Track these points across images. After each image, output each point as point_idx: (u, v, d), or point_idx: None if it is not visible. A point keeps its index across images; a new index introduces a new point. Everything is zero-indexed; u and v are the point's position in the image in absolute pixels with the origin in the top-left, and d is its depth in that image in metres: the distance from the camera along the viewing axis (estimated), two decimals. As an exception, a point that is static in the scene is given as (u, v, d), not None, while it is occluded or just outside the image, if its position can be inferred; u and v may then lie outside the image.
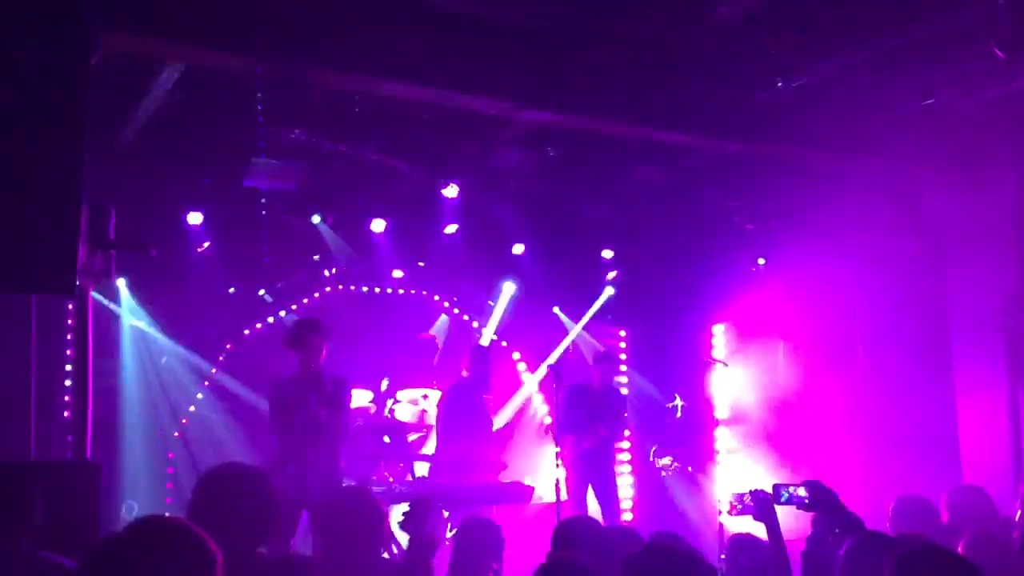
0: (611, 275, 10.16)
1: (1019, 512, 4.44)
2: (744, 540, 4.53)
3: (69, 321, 7.42)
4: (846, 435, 8.65)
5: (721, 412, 10.13)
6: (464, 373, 8.19)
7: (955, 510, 4.92)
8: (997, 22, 5.52)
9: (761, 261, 9.62)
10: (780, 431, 9.32)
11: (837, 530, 3.72)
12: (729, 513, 4.25)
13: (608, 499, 7.90)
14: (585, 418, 7.80)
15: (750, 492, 4.05)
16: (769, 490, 4.01)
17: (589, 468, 7.83)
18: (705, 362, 9.68)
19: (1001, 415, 7.62)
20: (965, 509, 4.89)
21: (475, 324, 10.08)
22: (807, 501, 3.86)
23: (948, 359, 8.25)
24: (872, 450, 8.41)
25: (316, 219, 8.72)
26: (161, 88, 6.49)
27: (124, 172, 7.19)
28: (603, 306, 10.32)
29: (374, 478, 7.69)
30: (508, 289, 9.98)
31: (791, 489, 3.95)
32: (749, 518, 4.06)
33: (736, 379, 9.82)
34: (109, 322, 8.27)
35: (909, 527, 4.49)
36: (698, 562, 2.70)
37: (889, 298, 8.50)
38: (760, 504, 3.96)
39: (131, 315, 8.56)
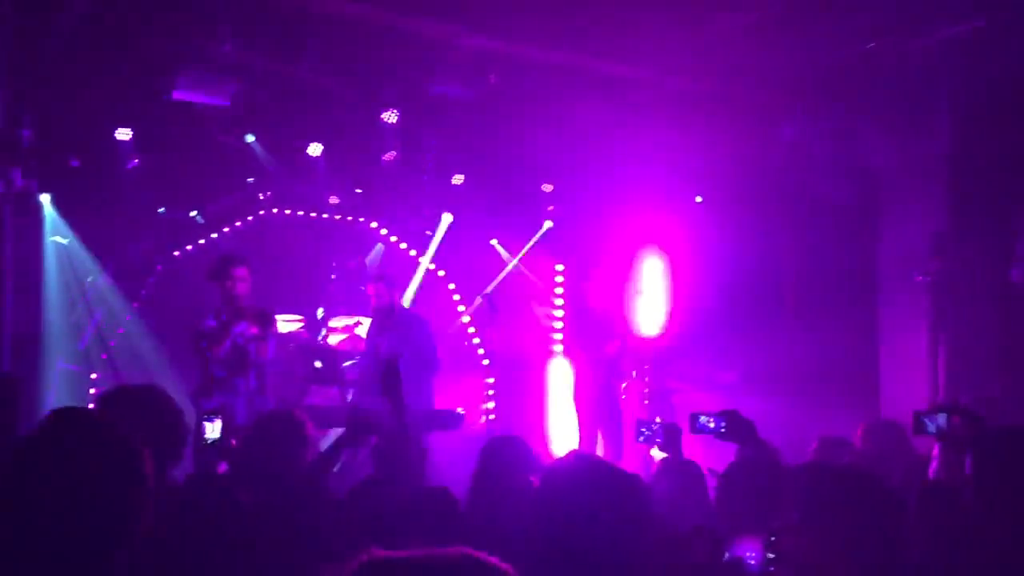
0: (549, 208, 10.13)
1: (936, 448, 4.57)
2: (670, 464, 4.60)
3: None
4: (771, 371, 8.82)
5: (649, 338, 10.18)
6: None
7: (869, 443, 5.06)
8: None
9: (698, 199, 9.66)
10: (706, 365, 9.48)
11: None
12: (636, 440, 4.30)
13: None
14: None
15: (657, 422, 4.09)
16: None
17: None
18: (634, 292, 9.72)
19: (920, 357, 7.83)
20: (879, 443, 5.04)
21: (412, 253, 10.00)
22: (723, 430, 3.86)
23: (874, 301, 8.44)
24: (797, 388, 8.61)
25: (250, 138, 8.49)
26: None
27: (46, 83, 6.91)
28: (541, 239, 10.30)
29: (305, 402, 7.66)
30: (446, 219, 9.90)
31: (706, 419, 3.95)
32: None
33: (662, 311, 9.90)
34: (31, 238, 8.01)
35: (833, 460, 4.62)
36: (620, 476, 2.63)
37: (821, 239, 8.62)
38: (667, 434, 3.99)
39: (55, 232, 8.30)
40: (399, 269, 9.75)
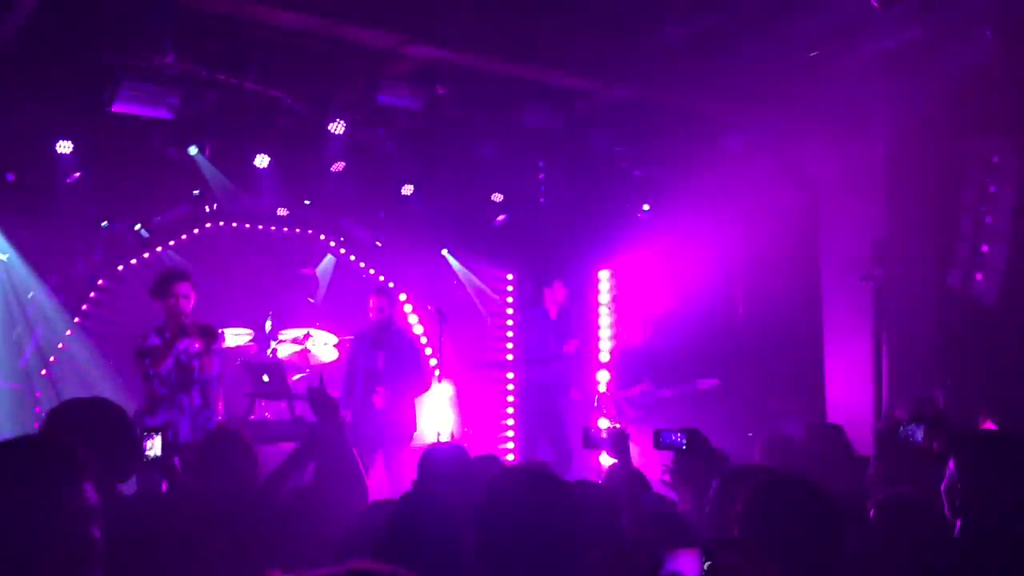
0: (500, 218, 10.14)
1: (874, 451, 4.64)
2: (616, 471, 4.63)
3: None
4: (723, 378, 8.91)
5: (604, 355, 10.30)
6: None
7: (810, 445, 5.13)
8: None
9: (646, 207, 9.75)
10: (660, 374, 9.54)
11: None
12: (584, 446, 4.33)
13: None
14: None
15: (607, 429, 4.13)
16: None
17: None
18: (592, 306, 9.80)
19: (864, 359, 7.98)
20: (820, 445, 5.12)
21: (361, 264, 9.95)
22: (684, 447, 3.97)
23: (819, 308, 8.58)
24: (747, 392, 8.72)
25: (193, 150, 8.36)
26: (20, 10, 6.08)
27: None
28: (491, 249, 10.31)
29: (252, 417, 7.57)
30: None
31: (671, 435, 4.05)
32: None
33: (618, 324, 9.99)
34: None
35: (777, 462, 4.68)
36: (561, 485, 2.64)
37: (767, 246, 8.75)
38: (614, 440, 4.04)
39: (-6, 248, 8.13)
40: (348, 281, 9.70)
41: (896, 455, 4.19)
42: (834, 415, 7.90)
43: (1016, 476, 3.01)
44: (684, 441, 3.99)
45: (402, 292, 10.10)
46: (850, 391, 8.03)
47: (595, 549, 2.36)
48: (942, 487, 3.15)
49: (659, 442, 4.08)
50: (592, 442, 4.24)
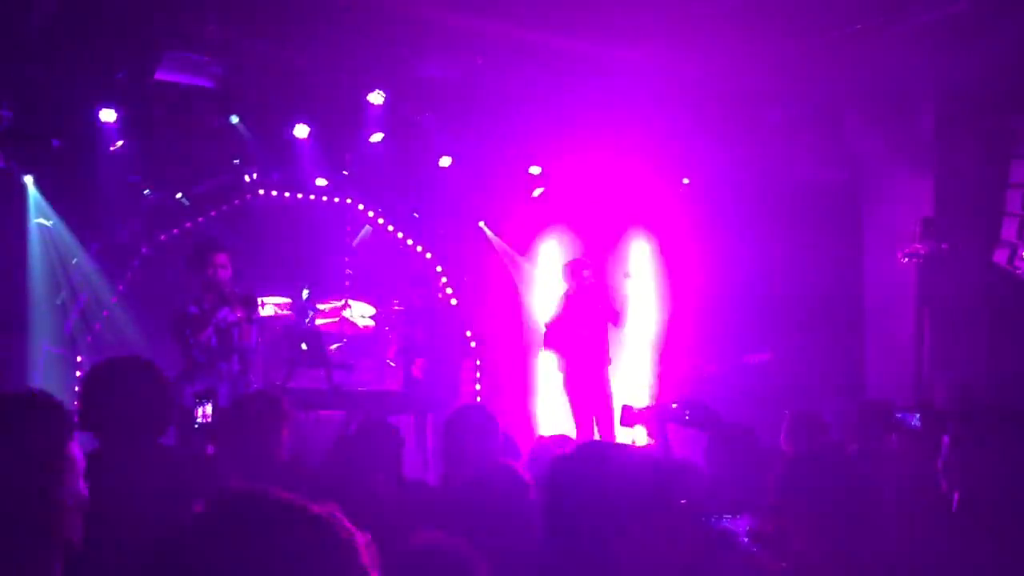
0: (537, 191, 10.10)
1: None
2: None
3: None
4: (761, 353, 8.86)
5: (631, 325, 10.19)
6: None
7: (847, 423, 5.09)
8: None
9: (686, 180, 9.66)
10: (697, 348, 9.51)
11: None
12: (622, 423, 4.32)
13: None
14: None
15: (645, 406, 4.14)
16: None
17: None
18: (623, 275, 9.70)
19: (906, 338, 7.88)
20: (861, 422, 5.06)
21: (400, 235, 9.97)
22: (687, 417, 3.96)
23: (860, 284, 8.48)
24: (787, 368, 8.65)
25: (235, 119, 8.42)
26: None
27: (28, 63, 6.84)
28: (527, 222, 10.28)
29: (291, 384, 7.64)
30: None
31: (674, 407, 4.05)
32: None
33: (650, 294, 9.92)
34: (13, 220, 7.96)
35: (803, 440, 4.65)
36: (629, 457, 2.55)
37: (807, 222, 8.64)
38: (654, 417, 4.03)
39: (39, 214, 8.24)
40: (386, 251, 9.73)
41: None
42: (874, 393, 7.82)
43: (1005, 447, 3.01)
44: (686, 412, 3.99)
45: (438, 264, 10.12)
46: (891, 369, 7.94)
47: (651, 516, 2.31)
48: (938, 464, 3.16)
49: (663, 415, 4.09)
50: (630, 419, 4.24)
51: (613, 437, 7.97)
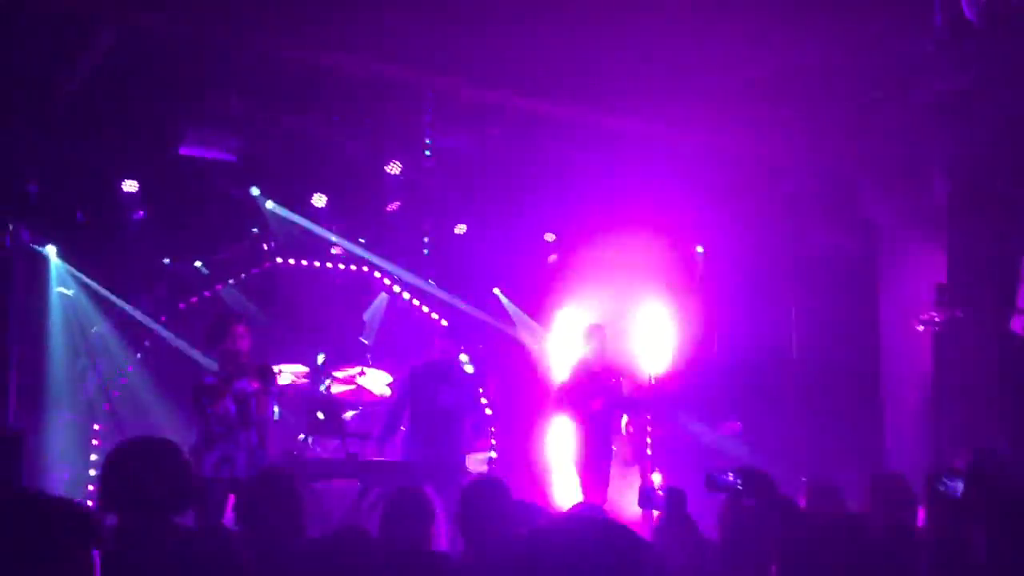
0: (551, 258, 10.17)
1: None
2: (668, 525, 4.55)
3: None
4: (775, 421, 8.80)
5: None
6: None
7: (875, 496, 5.02)
8: (933, 19, 5.64)
9: (700, 249, 9.72)
10: (708, 412, 9.45)
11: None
12: (639, 505, 4.21)
13: None
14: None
15: (661, 487, 4.01)
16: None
17: None
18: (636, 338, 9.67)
19: (923, 405, 7.83)
20: (884, 495, 5.01)
21: (415, 302, 10.03)
22: (740, 487, 3.75)
23: (876, 351, 8.45)
24: (799, 439, 8.58)
25: (255, 191, 8.58)
26: (94, 51, 6.32)
27: (54, 137, 7.01)
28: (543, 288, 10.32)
29: (306, 454, 7.64)
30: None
31: (724, 475, 3.81)
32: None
33: (665, 356, 9.88)
34: (36, 290, 8.06)
35: (823, 508, 4.61)
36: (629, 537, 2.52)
37: (822, 289, 8.66)
38: (671, 500, 3.90)
39: (60, 284, 8.35)
40: (400, 317, 9.78)
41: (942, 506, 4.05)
42: (892, 461, 7.75)
43: None
44: (739, 481, 3.76)
45: (454, 330, 10.15)
46: (909, 437, 7.87)
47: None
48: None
49: (712, 484, 3.88)
50: (649, 501, 4.13)
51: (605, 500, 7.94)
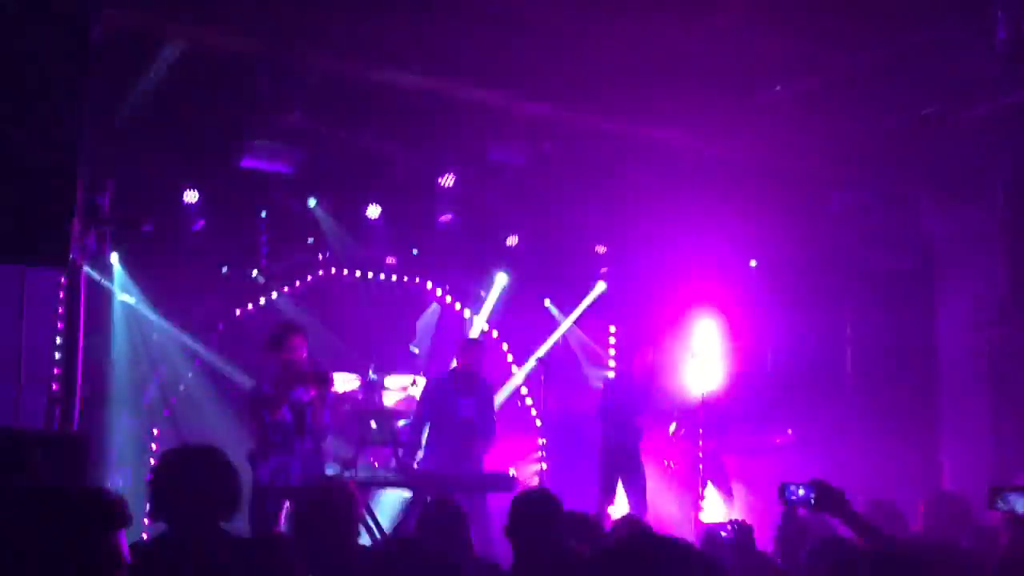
0: (603, 270, 10.20)
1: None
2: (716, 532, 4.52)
3: (60, 295, 7.44)
4: (827, 436, 8.70)
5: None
6: (454, 364, 8.26)
7: (930, 517, 4.97)
8: (995, 32, 5.58)
9: (753, 263, 9.66)
10: (759, 427, 9.38)
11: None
12: (701, 546, 4.16)
13: None
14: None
15: (730, 523, 3.96)
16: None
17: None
18: (687, 354, 9.65)
19: (984, 425, 7.70)
20: (941, 516, 4.95)
21: (467, 314, 10.11)
22: (813, 501, 3.59)
23: (935, 367, 8.33)
24: (854, 456, 8.48)
25: (312, 203, 8.75)
26: (161, 66, 6.51)
27: (122, 149, 7.20)
28: (594, 301, 10.35)
29: (360, 463, 7.72)
30: (500, 280, 10.02)
31: (797, 489, 3.74)
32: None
33: (716, 372, 9.84)
34: (101, 297, 8.28)
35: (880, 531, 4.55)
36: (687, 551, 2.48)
37: (876, 306, 8.57)
38: (739, 536, 3.86)
39: (123, 291, 8.57)
40: (452, 329, 9.87)
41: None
42: (951, 479, 7.63)
43: None
44: (812, 496, 3.57)
45: (504, 342, 10.22)
46: (967, 454, 7.74)
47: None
48: None
49: (784, 496, 3.71)
50: (714, 542, 4.08)
51: (645, 512, 7.94)
